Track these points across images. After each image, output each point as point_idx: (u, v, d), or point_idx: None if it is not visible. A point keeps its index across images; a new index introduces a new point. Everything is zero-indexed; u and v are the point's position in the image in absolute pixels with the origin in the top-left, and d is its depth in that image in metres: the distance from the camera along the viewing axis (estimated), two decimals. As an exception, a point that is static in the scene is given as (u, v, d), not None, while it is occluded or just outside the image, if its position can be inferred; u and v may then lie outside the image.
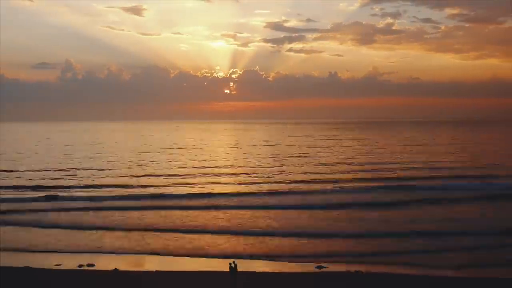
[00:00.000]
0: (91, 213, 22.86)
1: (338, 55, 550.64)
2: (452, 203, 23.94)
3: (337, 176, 33.88)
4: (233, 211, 22.48)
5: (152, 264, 14.56)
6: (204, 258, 15.16)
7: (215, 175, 36.16)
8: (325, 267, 13.85)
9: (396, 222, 19.84)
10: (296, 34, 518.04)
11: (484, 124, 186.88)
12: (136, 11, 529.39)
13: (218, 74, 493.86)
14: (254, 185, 31.05)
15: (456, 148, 58.91)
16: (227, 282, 12.35)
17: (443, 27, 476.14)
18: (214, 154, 55.49)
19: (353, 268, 13.60)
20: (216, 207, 23.47)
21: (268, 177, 34.63)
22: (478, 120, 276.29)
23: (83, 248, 16.46)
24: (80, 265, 14.07)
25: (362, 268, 13.63)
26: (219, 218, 21.37)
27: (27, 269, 13.55)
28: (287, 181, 32.25)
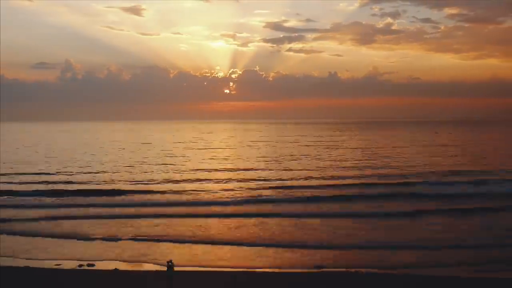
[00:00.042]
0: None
1: (338, 55, 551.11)
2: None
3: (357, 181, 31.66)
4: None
5: (153, 264, 14.55)
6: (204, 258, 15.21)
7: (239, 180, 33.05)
8: (324, 267, 13.87)
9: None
10: (296, 34, 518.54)
11: (484, 124, 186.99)
12: (135, 11, 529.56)
13: (218, 74, 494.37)
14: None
15: (460, 149, 58.74)
16: (228, 282, 12.36)
17: (442, 27, 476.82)
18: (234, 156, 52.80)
19: (353, 268, 13.63)
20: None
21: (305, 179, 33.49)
22: (478, 120, 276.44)
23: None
24: (80, 265, 14.08)
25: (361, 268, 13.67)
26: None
27: (27, 269, 13.56)
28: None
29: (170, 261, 11.35)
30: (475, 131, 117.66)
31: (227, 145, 74.68)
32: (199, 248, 16.40)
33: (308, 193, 27.15)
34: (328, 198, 25.44)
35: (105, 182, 32.61)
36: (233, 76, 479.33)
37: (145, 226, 19.80)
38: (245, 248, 16.27)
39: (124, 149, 65.13)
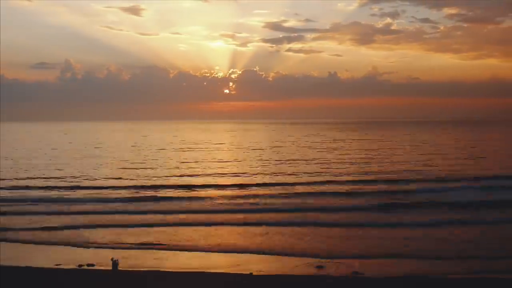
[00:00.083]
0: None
1: (337, 55, 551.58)
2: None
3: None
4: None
5: (153, 263, 14.55)
6: (205, 258, 15.22)
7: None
8: (324, 267, 13.86)
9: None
10: (295, 34, 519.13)
11: (484, 124, 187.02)
12: (134, 11, 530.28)
13: (218, 74, 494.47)
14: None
15: (463, 149, 58.68)
16: (228, 282, 12.37)
17: (441, 27, 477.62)
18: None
19: (353, 268, 13.64)
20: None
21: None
22: (478, 120, 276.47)
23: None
24: (80, 265, 14.07)
25: (362, 268, 13.67)
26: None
27: (27, 268, 13.56)
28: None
29: (113, 259, 12.17)
30: (475, 131, 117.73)
31: (229, 146, 74.49)
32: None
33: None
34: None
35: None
36: (232, 76, 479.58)
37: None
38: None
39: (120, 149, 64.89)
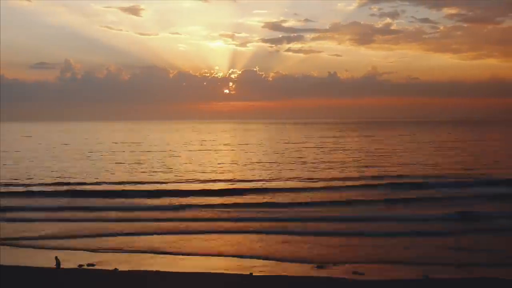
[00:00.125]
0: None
1: (337, 55, 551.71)
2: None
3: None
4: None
5: (153, 263, 14.54)
6: (205, 258, 15.22)
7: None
8: (324, 267, 13.86)
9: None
10: (295, 34, 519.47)
11: (484, 124, 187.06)
12: (133, 11, 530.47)
13: (217, 74, 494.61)
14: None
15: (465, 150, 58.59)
16: (228, 282, 12.37)
17: (441, 27, 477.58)
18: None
19: (353, 268, 13.64)
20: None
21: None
22: (478, 120, 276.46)
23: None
24: (80, 265, 14.07)
25: (362, 268, 13.67)
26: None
27: (27, 268, 13.56)
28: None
29: (57, 257, 13.23)
30: (475, 131, 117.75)
31: (232, 147, 74.33)
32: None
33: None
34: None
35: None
36: (232, 76, 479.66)
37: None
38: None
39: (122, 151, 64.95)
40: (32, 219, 21.45)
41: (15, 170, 39.30)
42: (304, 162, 43.88)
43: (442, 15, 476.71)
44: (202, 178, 33.79)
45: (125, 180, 33.03)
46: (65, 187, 29.88)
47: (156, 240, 17.53)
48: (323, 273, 13.35)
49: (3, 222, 20.55)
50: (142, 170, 39.15)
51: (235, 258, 15.19)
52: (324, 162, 44.09)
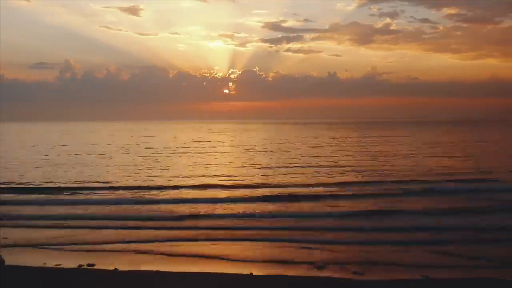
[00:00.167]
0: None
1: (337, 55, 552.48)
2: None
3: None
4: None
5: (153, 263, 14.54)
6: (205, 259, 15.20)
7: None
8: (324, 267, 13.86)
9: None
10: (294, 34, 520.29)
11: (484, 124, 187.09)
12: (133, 11, 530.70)
13: (217, 74, 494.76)
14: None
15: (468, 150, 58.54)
16: (228, 282, 12.37)
17: (441, 27, 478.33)
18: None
19: (353, 268, 13.64)
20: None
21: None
22: (478, 120, 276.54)
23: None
24: (80, 265, 14.06)
25: (362, 268, 13.66)
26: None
27: (27, 268, 13.55)
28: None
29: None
30: (475, 131, 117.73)
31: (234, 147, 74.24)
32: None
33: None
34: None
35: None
36: (232, 76, 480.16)
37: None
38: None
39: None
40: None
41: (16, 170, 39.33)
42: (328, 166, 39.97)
43: (442, 15, 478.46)
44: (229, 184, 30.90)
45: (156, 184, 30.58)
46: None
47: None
48: (323, 273, 13.35)
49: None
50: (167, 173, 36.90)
51: (236, 258, 15.20)
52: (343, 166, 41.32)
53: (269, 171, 37.06)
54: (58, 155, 55.01)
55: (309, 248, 16.06)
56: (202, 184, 30.45)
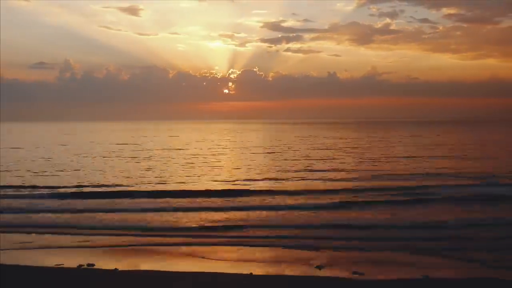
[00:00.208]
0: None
1: (336, 55, 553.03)
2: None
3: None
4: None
5: (153, 263, 14.53)
6: (205, 259, 15.20)
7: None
8: (324, 267, 13.85)
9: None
10: (294, 34, 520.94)
11: (484, 123, 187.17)
12: (132, 11, 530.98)
13: (217, 74, 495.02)
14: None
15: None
16: (228, 282, 12.37)
17: (440, 27, 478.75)
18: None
19: (353, 268, 13.63)
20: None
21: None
22: (478, 120, 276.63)
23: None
24: (80, 265, 14.05)
25: (362, 268, 13.66)
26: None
27: (27, 268, 13.55)
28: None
29: None
30: (474, 131, 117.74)
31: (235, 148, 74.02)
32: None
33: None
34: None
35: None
36: (232, 76, 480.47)
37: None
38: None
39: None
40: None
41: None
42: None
43: (441, 15, 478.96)
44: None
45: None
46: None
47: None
48: (323, 273, 13.34)
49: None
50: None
51: (236, 258, 15.22)
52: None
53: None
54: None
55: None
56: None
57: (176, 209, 22.88)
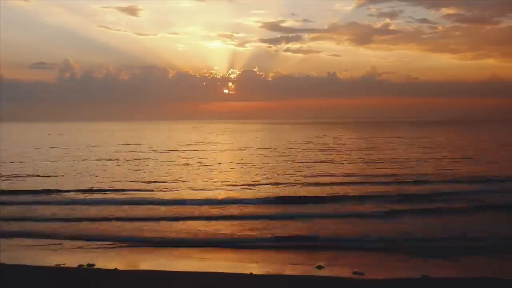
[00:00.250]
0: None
1: (336, 55, 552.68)
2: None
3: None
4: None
5: (153, 263, 14.54)
6: (204, 259, 15.18)
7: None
8: (324, 267, 13.86)
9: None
10: (293, 34, 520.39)
11: (484, 123, 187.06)
12: (131, 11, 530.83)
13: (217, 74, 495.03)
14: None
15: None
16: (228, 282, 12.37)
17: (440, 27, 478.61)
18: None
19: (353, 268, 13.63)
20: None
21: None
22: (477, 119, 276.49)
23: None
24: (80, 265, 14.05)
25: (362, 268, 13.66)
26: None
27: (27, 267, 13.54)
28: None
29: None
30: (474, 131, 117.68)
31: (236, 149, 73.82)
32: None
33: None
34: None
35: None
36: (231, 76, 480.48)
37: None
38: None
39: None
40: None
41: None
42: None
43: (441, 15, 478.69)
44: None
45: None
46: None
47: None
48: (323, 273, 13.34)
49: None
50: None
51: (236, 258, 15.22)
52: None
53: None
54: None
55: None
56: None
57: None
